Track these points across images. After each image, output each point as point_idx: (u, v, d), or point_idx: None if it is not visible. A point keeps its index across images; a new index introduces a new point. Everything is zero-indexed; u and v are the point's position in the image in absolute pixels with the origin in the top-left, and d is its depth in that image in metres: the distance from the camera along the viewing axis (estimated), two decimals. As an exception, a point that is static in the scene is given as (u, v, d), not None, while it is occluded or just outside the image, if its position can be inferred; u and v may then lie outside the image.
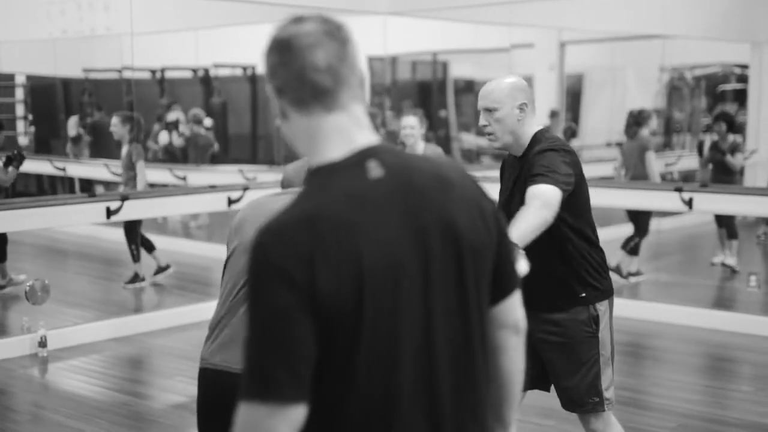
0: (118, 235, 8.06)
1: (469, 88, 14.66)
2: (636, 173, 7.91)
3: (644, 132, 7.91)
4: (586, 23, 10.32)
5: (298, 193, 1.58)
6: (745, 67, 11.91)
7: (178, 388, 5.38)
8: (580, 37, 12.52)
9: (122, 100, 9.14)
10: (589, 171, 9.85)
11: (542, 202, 2.94)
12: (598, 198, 6.98)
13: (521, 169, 3.18)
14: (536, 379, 3.28)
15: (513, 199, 3.17)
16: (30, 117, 11.21)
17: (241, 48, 11.45)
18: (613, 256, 8.22)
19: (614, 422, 3.31)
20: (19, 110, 11.26)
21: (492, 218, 1.68)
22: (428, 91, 14.30)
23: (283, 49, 1.57)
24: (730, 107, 11.93)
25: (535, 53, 12.78)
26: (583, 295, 3.19)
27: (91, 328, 6.49)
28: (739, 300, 7.63)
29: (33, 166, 9.91)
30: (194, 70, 12.84)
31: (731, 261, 8.23)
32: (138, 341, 6.42)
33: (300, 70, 1.55)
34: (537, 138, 3.20)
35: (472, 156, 13.91)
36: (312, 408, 1.52)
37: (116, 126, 7.45)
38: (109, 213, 6.53)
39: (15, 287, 7.48)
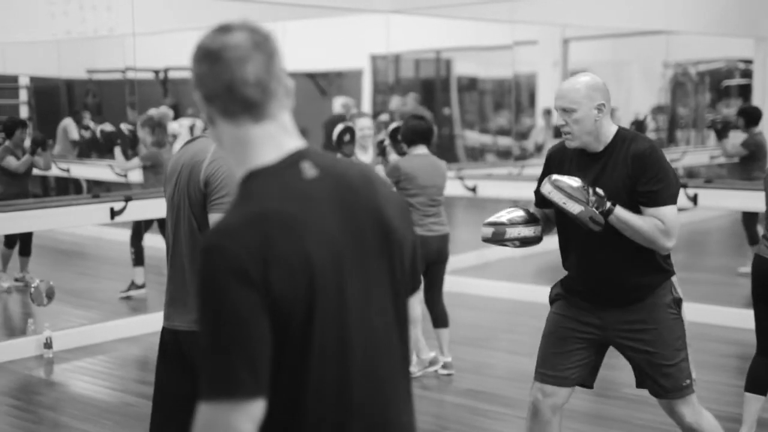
0: (123, 235, 8.05)
1: (472, 86, 14.66)
2: None
3: None
4: (589, 19, 10.30)
5: (237, 196, 1.63)
6: (749, 62, 11.88)
7: (184, 389, 5.38)
8: (584, 34, 12.51)
9: (125, 100, 9.14)
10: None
11: (669, 230, 3.14)
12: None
13: (605, 163, 3.21)
14: (586, 375, 3.38)
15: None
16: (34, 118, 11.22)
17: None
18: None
19: (701, 407, 3.36)
20: (23, 112, 11.26)
21: (408, 216, 1.79)
22: (432, 89, 14.30)
23: (212, 60, 1.60)
24: (735, 102, 11.91)
25: (538, 50, 12.77)
26: (664, 273, 3.26)
27: (96, 329, 6.50)
28: (745, 296, 7.61)
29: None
30: (197, 70, 12.82)
31: None
32: (144, 342, 6.42)
33: (229, 84, 1.59)
34: (624, 134, 3.24)
35: (476, 153, 13.91)
36: (270, 402, 1.57)
37: (137, 129, 7.56)
38: (113, 214, 6.53)
39: (21, 287, 7.52)
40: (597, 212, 3.08)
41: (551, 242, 3.53)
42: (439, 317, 5.63)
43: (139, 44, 7.50)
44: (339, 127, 6.18)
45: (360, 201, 1.67)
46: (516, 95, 12.32)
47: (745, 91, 12.11)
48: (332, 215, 1.62)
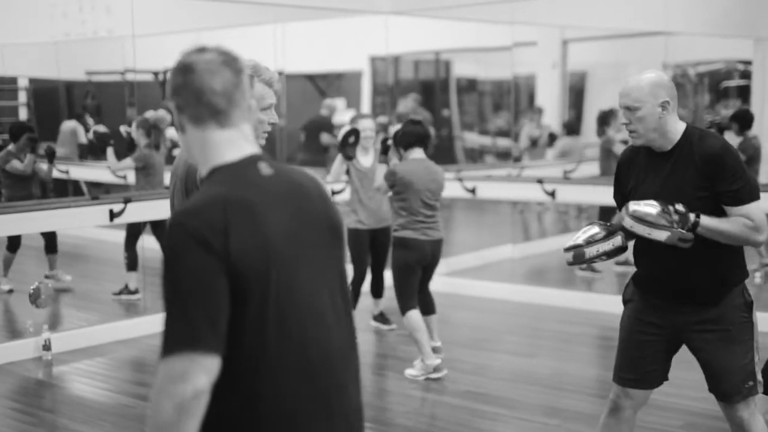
0: (122, 237, 8.04)
1: (471, 87, 14.65)
2: (603, 170, 8.38)
3: (610, 131, 8.33)
4: (589, 20, 10.30)
5: (203, 186, 1.87)
6: (748, 63, 11.87)
7: (183, 390, 5.37)
8: (583, 35, 12.51)
9: (125, 102, 9.14)
10: (592, 169, 9.72)
11: (758, 225, 3.15)
12: (600, 196, 7.00)
13: (676, 163, 3.20)
14: (665, 374, 3.45)
15: (666, 196, 3.19)
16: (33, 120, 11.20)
17: (243, 49, 11.43)
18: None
19: (757, 411, 3.35)
20: (22, 113, 11.25)
21: (330, 206, 2.00)
22: (431, 91, 14.29)
23: (185, 72, 1.86)
24: (734, 104, 11.90)
25: (537, 51, 12.77)
26: (739, 275, 3.29)
27: (95, 331, 6.49)
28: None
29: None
30: (197, 72, 12.80)
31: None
32: (142, 344, 6.42)
33: (199, 91, 1.84)
34: (693, 132, 3.23)
35: (475, 155, 13.90)
36: (236, 363, 1.76)
37: (132, 130, 7.62)
38: (113, 215, 6.53)
39: (58, 284, 7.62)
40: (684, 231, 3.08)
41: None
42: (427, 306, 5.80)
43: (139, 46, 7.50)
44: (345, 129, 6.21)
45: (309, 197, 1.92)
46: (515, 96, 12.32)
47: (744, 93, 12.09)
48: (286, 206, 1.86)
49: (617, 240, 3.29)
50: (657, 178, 3.22)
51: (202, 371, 1.68)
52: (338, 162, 6.29)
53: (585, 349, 6.35)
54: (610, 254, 3.33)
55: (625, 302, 3.46)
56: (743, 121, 8.13)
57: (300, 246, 1.85)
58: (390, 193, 5.68)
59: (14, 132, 7.36)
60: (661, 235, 3.09)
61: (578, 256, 3.31)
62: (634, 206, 3.15)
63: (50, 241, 7.68)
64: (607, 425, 3.46)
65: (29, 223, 6.40)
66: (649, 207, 3.12)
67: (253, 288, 1.75)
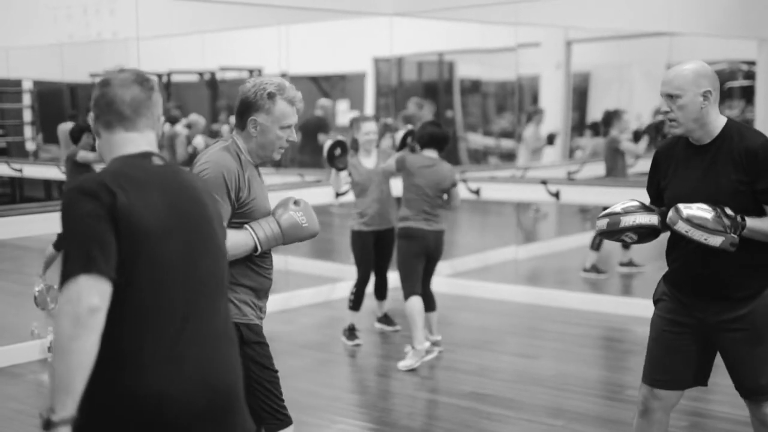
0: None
1: (475, 88, 14.66)
2: (609, 170, 8.56)
3: (613, 132, 8.54)
4: (592, 22, 10.30)
5: (102, 169, 2.18)
6: (752, 63, 11.87)
7: (188, 392, 5.37)
8: (587, 36, 12.51)
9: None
10: (598, 169, 9.69)
11: None
12: (604, 196, 7.00)
13: (715, 156, 3.17)
14: (699, 374, 3.39)
15: (702, 190, 3.17)
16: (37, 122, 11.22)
17: (247, 51, 11.45)
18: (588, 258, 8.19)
19: None
20: (27, 116, 11.27)
21: (213, 201, 2.40)
22: (435, 92, 14.30)
23: (103, 86, 2.25)
24: (738, 104, 11.91)
25: (541, 52, 12.78)
26: None
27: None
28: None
29: (39, 171, 9.91)
30: (200, 74, 12.84)
31: None
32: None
33: (111, 101, 2.24)
34: (734, 127, 3.20)
35: (479, 156, 13.90)
36: (116, 297, 2.04)
37: None
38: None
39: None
40: (736, 236, 3.07)
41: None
42: (429, 303, 6.06)
43: (143, 48, 7.51)
44: (328, 143, 6.14)
45: (187, 186, 2.27)
46: (519, 97, 12.32)
47: (748, 93, 12.09)
48: (170, 188, 2.21)
49: (654, 218, 3.24)
50: (695, 171, 3.19)
51: (95, 292, 1.98)
52: (333, 175, 6.29)
53: (588, 351, 6.35)
54: (643, 232, 3.27)
55: (655, 302, 3.44)
56: None
57: (180, 221, 2.18)
58: (391, 174, 6.08)
59: (75, 136, 7.57)
60: (717, 241, 3.05)
61: (613, 224, 3.25)
62: (688, 210, 3.10)
63: None
64: (639, 426, 3.43)
65: (32, 225, 6.39)
66: (704, 212, 3.08)
67: (128, 246, 2.06)
